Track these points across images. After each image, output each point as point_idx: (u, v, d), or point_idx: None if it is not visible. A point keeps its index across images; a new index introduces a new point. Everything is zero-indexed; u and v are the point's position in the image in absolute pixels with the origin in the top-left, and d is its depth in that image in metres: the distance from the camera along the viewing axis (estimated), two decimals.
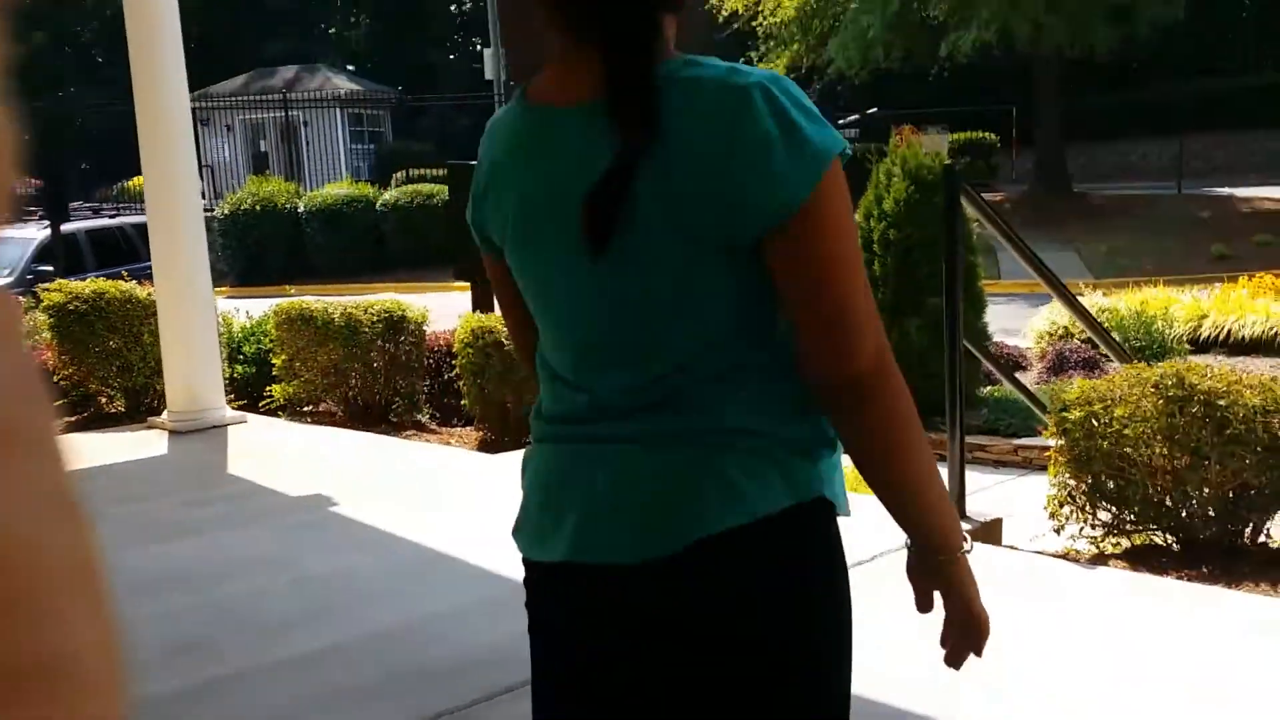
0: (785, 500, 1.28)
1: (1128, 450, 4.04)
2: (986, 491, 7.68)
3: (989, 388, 9.59)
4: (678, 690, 1.29)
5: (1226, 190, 25.49)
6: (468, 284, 8.32)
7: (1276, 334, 9.54)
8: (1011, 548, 4.41)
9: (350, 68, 43.43)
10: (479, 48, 36.76)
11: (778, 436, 1.29)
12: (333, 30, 49.98)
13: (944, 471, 4.80)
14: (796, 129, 1.22)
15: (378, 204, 23.39)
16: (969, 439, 8.80)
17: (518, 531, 1.42)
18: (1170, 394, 3.96)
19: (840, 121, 31.72)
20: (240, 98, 31.03)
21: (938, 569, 1.42)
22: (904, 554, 1.46)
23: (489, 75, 28.49)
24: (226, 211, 23.62)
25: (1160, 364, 4.20)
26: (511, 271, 1.43)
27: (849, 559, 1.39)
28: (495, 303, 7.88)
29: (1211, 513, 4.02)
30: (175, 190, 6.93)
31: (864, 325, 1.27)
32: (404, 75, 41.57)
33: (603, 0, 1.28)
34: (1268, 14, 33.16)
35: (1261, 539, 4.10)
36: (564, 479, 1.35)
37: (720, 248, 1.25)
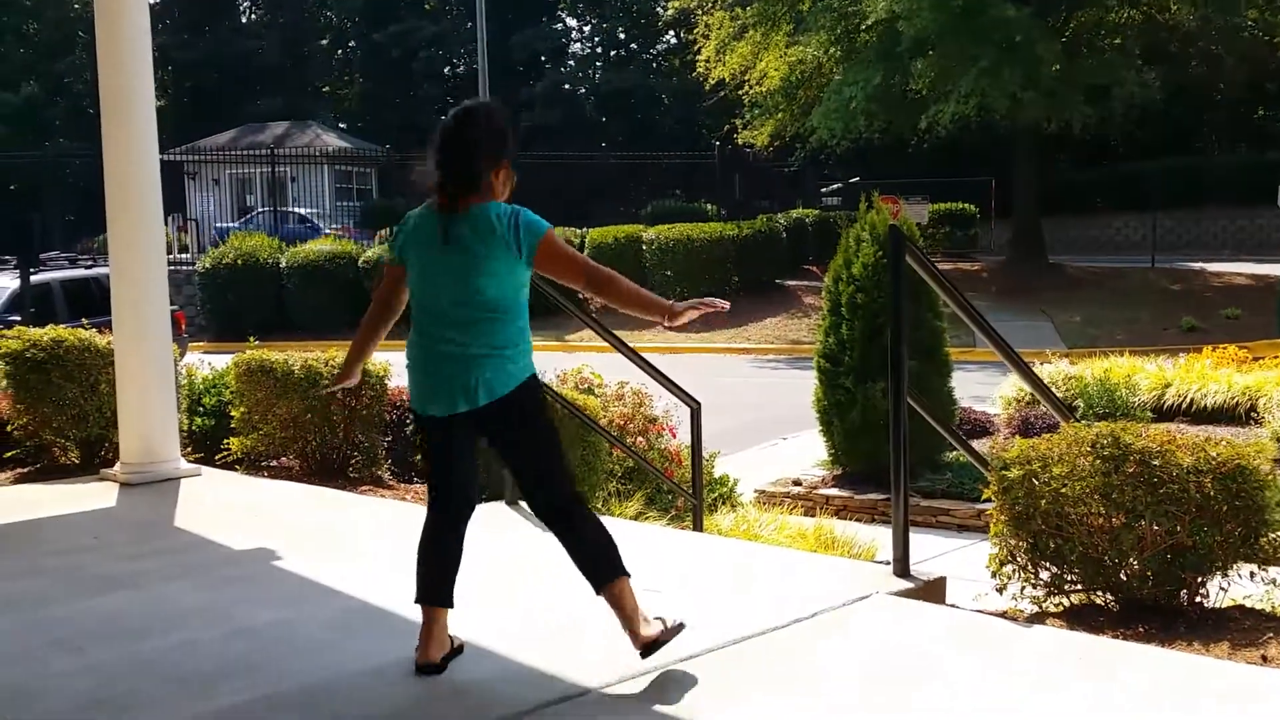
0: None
1: (1065, 509, 4.03)
2: (946, 556, 7.66)
3: (954, 453, 9.59)
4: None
5: (1199, 265, 25.75)
6: None
7: (1238, 404, 9.60)
8: (953, 606, 4.39)
9: (342, 125, 43.81)
10: None
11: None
12: (326, 89, 50.49)
13: (888, 532, 4.80)
14: (524, 219, 3.58)
15: (359, 260, 23.45)
16: (932, 503, 8.82)
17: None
18: (1106, 453, 3.97)
19: (823, 190, 32.00)
20: (229, 152, 31.19)
21: (672, 315, 3.68)
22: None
23: None
24: (207, 265, 23.63)
25: (1097, 424, 4.20)
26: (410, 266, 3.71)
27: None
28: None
29: (1149, 572, 4.01)
30: (138, 239, 6.93)
31: (582, 265, 3.66)
32: (394, 134, 41.90)
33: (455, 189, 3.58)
34: (1240, 96, 33.71)
35: (1197, 598, 4.08)
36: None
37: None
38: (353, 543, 5.52)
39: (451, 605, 3.74)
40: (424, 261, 3.64)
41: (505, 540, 5.44)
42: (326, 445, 7.34)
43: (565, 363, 8.42)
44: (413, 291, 3.71)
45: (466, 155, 3.57)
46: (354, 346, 4.02)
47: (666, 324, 3.68)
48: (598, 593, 3.63)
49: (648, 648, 3.63)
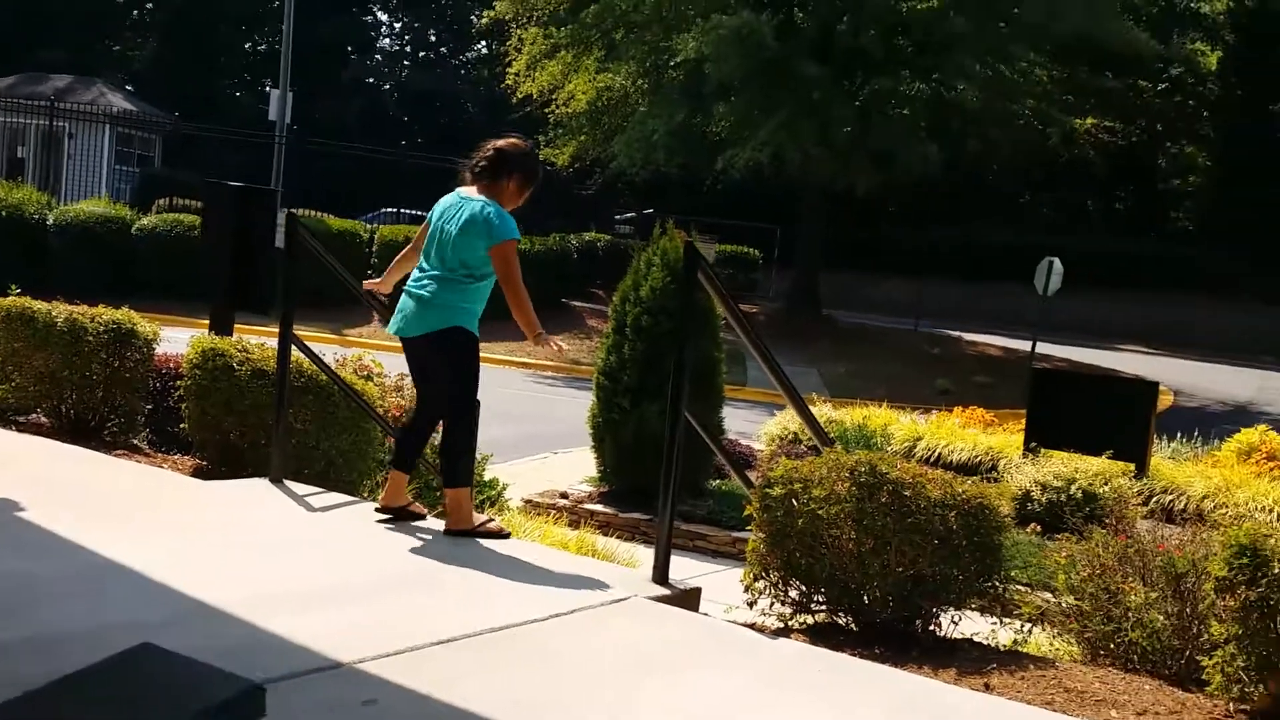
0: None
1: (821, 531, 4.25)
2: (701, 578, 7.88)
3: (716, 481, 9.90)
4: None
5: (957, 333, 27.37)
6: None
7: (980, 461, 10.27)
8: (706, 615, 4.54)
9: (130, 88, 41.71)
10: (267, 88, 35.99)
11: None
12: (117, 47, 48.01)
13: (647, 551, 4.94)
14: (501, 223, 5.05)
15: (134, 228, 22.38)
16: (692, 527, 9.08)
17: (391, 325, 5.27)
18: (863, 480, 4.21)
19: (617, 218, 32.47)
20: (4, 99, 29.26)
21: (537, 339, 5.09)
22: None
23: (273, 116, 27.89)
24: None
25: (858, 451, 4.46)
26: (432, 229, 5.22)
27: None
28: (231, 329, 7.63)
29: (890, 597, 4.27)
30: None
31: (512, 274, 5.03)
32: (184, 103, 40.19)
33: (482, 181, 5.19)
34: (1010, 180, 36.14)
35: (931, 626, 4.37)
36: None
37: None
38: (103, 503, 5.29)
39: (408, 471, 5.43)
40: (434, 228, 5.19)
41: (267, 513, 5.32)
42: (84, 404, 7.00)
43: (345, 355, 8.30)
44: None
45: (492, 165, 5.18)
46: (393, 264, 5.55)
47: (532, 341, 5.10)
48: (443, 489, 5.26)
49: (451, 531, 5.11)
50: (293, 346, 5.94)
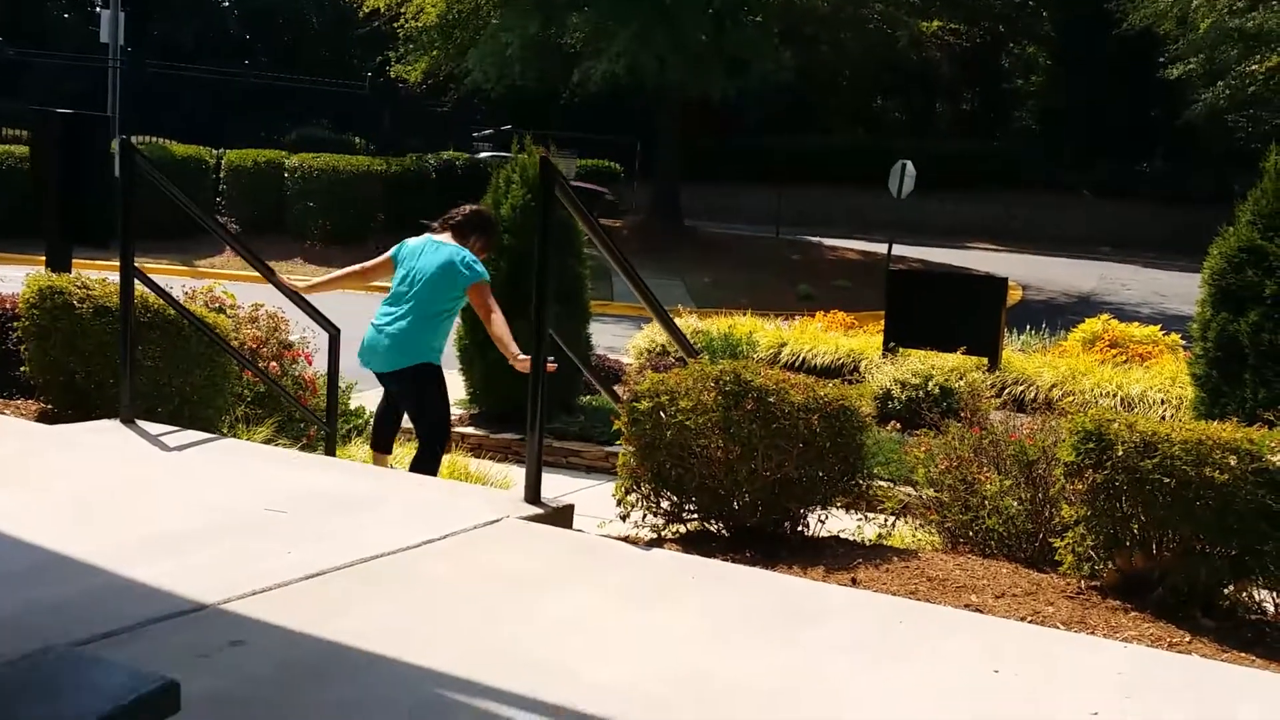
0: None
1: (689, 441, 4.28)
2: (575, 494, 7.91)
3: (587, 397, 9.91)
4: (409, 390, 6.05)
5: (816, 238, 27.79)
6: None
7: (843, 364, 10.49)
8: (580, 531, 4.56)
9: None
10: (97, 8, 34.23)
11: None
12: None
13: (521, 470, 4.92)
14: (476, 265, 5.93)
15: None
16: (564, 444, 9.09)
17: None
18: (728, 389, 4.25)
19: (475, 136, 31.90)
20: None
21: (515, 359, 5.60)
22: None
23: (105, 39, 26.55)
24: None
25: (722, 361, 4.48)
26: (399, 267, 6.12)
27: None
28: (69, 265, 7.29)
29: (758, 502, 4.33)
30: None
31: (493, 311, 5.82)
32: (6, 26, 37.96)
33: (454, 232, 6.13)
34: (862, 84, 36.52)
35: (799, 527, 4.46)
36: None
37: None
38: None
39: (387, 451, 6.23)
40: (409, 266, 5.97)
41: (119, 454, 5.14)
42: None
43: (195, 287, 8.02)
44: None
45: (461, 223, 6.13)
46: (331, 278, 6.53)
47: (511, 362, 5.61)
48: None
49: None
50: (136, 280, 5.71)
